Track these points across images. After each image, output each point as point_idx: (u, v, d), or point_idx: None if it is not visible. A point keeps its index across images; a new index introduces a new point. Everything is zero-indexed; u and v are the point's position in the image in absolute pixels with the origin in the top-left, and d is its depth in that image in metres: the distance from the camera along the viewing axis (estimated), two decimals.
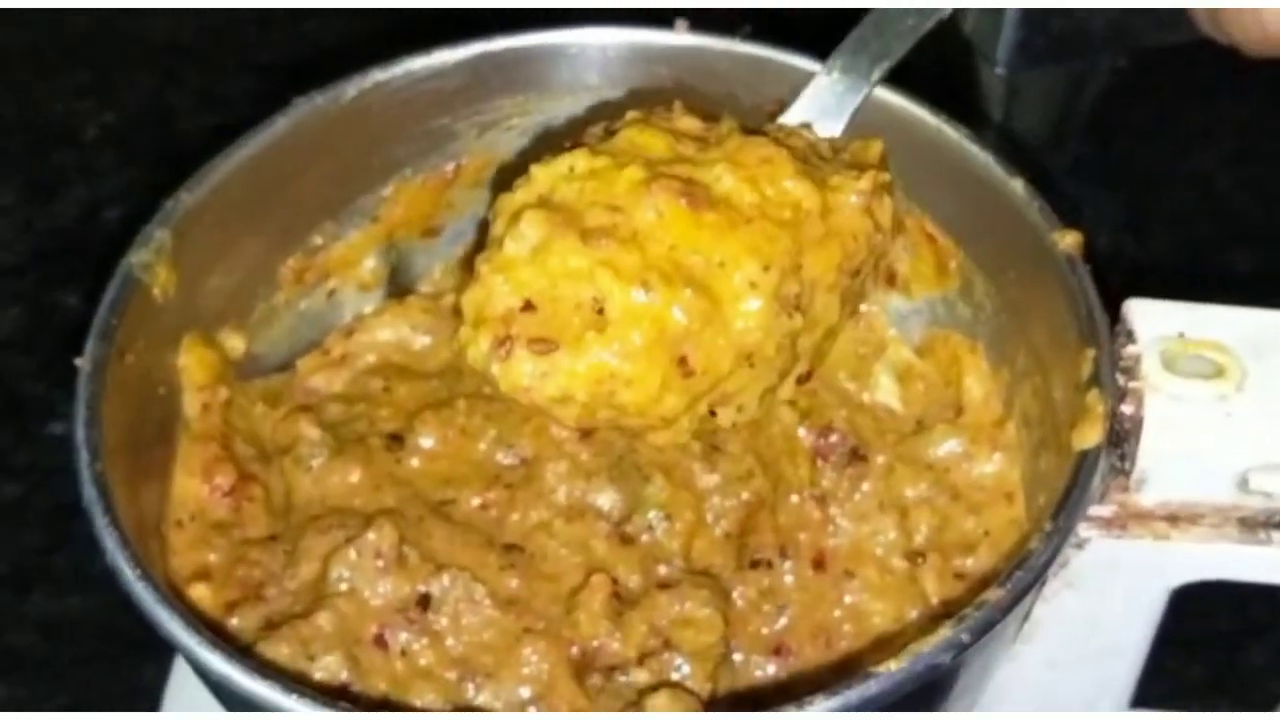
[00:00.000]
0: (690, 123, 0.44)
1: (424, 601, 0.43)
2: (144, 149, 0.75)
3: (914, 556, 0.45)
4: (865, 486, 0.47)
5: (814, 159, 0.44)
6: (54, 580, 0.60)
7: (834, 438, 0.47)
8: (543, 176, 0.42)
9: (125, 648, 0.58)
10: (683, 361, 0.40)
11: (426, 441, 0.46)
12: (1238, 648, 0.57)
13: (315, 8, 0.80)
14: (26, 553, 0.61)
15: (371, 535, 0.43)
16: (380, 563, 0.43)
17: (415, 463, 0.47)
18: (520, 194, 0.42)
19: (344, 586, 0.42)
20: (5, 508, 0.62)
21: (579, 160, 0.42)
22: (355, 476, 0.46)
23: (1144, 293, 0.67)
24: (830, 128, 0.46)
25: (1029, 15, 0.68)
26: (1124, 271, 0.68)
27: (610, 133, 0.43)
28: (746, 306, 0.41)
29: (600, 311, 0.40)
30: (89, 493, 0.38)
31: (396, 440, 0.47)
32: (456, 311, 0.43)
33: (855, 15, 0.46)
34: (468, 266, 0.43)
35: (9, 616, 0.59)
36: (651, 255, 0.40)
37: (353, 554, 0.43)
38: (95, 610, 0.59)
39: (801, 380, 0.43)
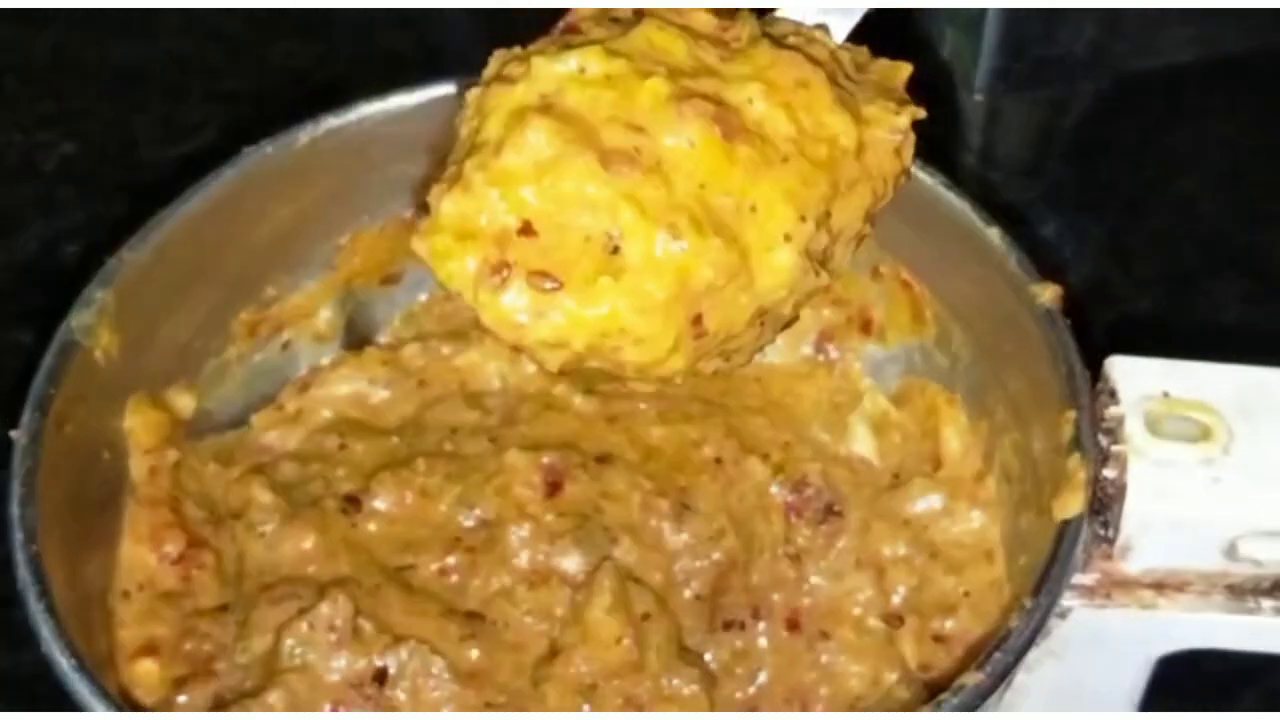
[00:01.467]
0: (705, 19, 0.38)
1: (380, 676, 0.41)
2: (106, 181, 0.74)
3: (892, 619, 0.44)
4: (841, 544, 0.45)
5: (842, 79, 0.39)
6: (9, 634, 0.58)
7: (808, 493, 0.46)
8: (547, 73, 0.36)
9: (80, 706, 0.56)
10: (697, 320, 0.36)
11: (383, 504, 0.45)
12: (1229, 694, 0.56)
13: (281, 34, 0.79)
14: None
15: (325, 608, 0.41)
16: (334, 636, 0.41)
17: (372, 527, 0.45)
18: (521, 90, 0.36)
19: (297, 661, 0.41)
20: None
21: (591, 60, 0.36)
22: (309, 543, 0.44)
23: (1127, 321, 0.66)
24: (839, 25, 0.41)
25: (1008, 40, 0.67)
26: (1107, 299, 0.67)
27: (613, 20, 0.38)
28: (777, 261, 0.36)
29: (615, 250, 0.35)
30: (23, 576, 0.36)
31: (353, 502, 0.45)
32: (423, 207, 0.37)
33: None
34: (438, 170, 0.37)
35: None
36: (679, 193, 0.35)
37: (305, 627, 0.41)
38: (50, 666, 0.57)
39: (786, 325, 0.38)
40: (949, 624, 0.44)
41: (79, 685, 0.35)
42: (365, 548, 0.44)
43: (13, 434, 0.39)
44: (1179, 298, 0.68)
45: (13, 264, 0.70)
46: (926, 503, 0.45)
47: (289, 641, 0.41)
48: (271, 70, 0.78)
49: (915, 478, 0.46)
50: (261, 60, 0.79)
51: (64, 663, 0.35)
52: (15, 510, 0.37)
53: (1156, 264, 0.69)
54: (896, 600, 0.44)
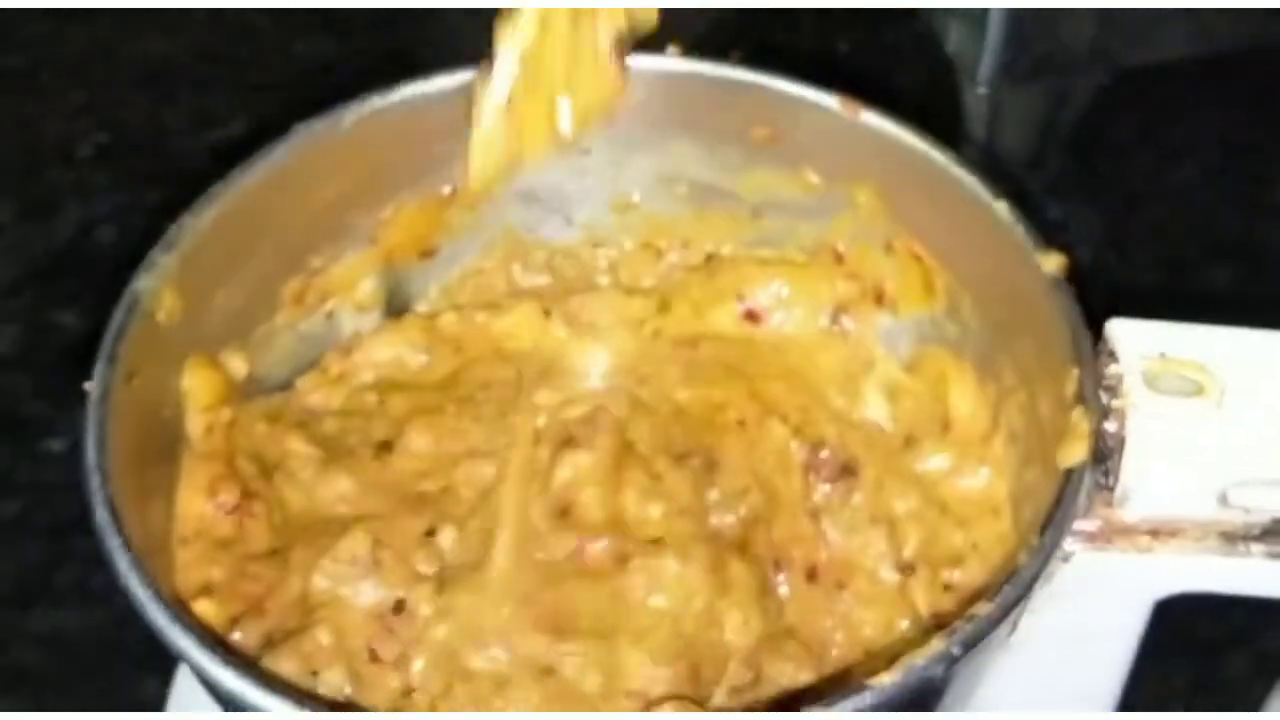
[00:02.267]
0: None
1: (399, 607, 0.43)
2: (138, 168, 0.76)
3: (905, 569, 0.46)
4: (856, 500, 0.48)
5: None
6: (55, 596, 0.61)
7: (824, 453, 0.48)
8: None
9: (127, 663, 0.58)
10: None
11: (415, 444, 0.47)
12: (1219, 654, 0.58)
13: (306, 30, 0.82)
14: (27, 569, 0.62)
15: (344, 542, 0.44)
16: (357, 569, 0.43)
17: (401, 464, 0.47)
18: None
19: (327, 596, 0.43)
20: (5, 525, 0.63)
21: None
22: (343, 485, 0.46)
23: (1126, 308, 0.68)
24: None
25: (1012, 35, 0.69)
26: (1106, 287, 0.69)
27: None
28: None
29: None
30: (101, 515, 0.39)
31: (385, 447, 0.48)
32: None
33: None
34: None
35: (11, 633, 0.60)
36: None
37: (329, 562, 0.44)
38: (96, 626, 0.60)
39: None
40: (957, 574, 0.46)
41: (157, 615, 0.37)
42: (393, 484, 0.47)
43: (86, 385, 0.41)
44: (1175, 284, 0.71)
45: (51, 248, 0.73)
46: (936, 461, 0.48)
47: (317, 578, 0.44)
48: (297, 64, 0.81)
49: (925, 438, 0.49)
50: (287, 54, 0.81)
51: (142, 593, 0.37)
52: (92, 456, 0.39)
53: (1153, 252, 0.72)
54: (908, 553, 0.47)
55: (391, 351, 0.51)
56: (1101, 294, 0.68)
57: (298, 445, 0.47)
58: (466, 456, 0.47)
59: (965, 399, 0.48)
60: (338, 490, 0.46)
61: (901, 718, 0.37)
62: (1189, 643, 0.58)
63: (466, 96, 0.48)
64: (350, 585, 0.43)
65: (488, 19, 0.81)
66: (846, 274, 0.51)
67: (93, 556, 0.61)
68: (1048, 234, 0.71)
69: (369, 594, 0.43)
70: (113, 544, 0.38)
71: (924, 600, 0.45)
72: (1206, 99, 0.76)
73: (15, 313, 0.70)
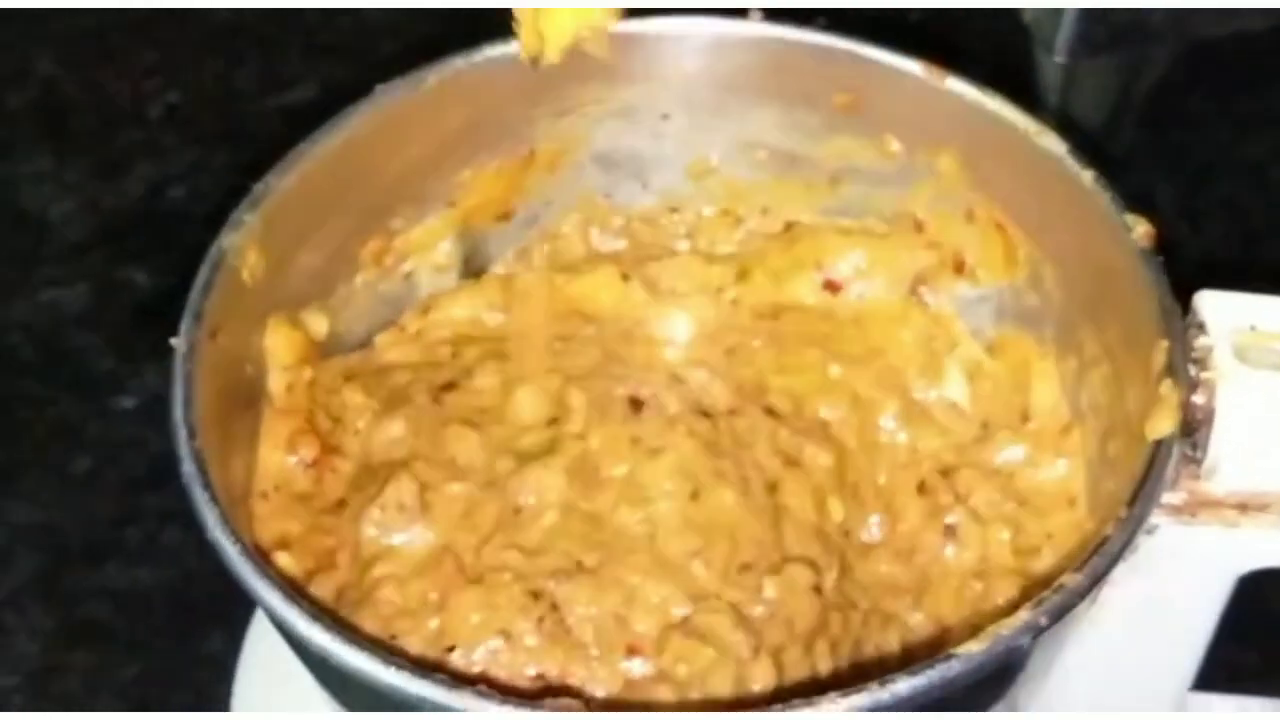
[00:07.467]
0: None
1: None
2: (208, 128, 0.77)
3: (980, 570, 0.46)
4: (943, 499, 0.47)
5: None
6: (126, 552, 0.62)
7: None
8: None
9: (194, 618, 0.59)
10: None
11: (479, 383, 0.47)
12: None
13: None
14: (99, 526, 0.62)
15: (390, 489, 0.44)
16: (405, 515, 0.43)
17: (459, 399, 0.47)
18: None
19: (382, 545, 0.43)
20: (77, 481, 0.64)
21: None
22: (396, 430, 0.46)
23: (1200, 280, 0.68)
24: None
25: (1091, 5, 0.68)
26: (1179, 260, 0.69)
27: None
28: None
29: None
30: (188, 469, 0.39)
31: (446, 389, 0.48)
32: None
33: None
34: None
35: (85, 588, 0.61)
36: None
37: (377, 511, 0.44)
38: (166, 581, 0.61)
39: None
40: (1033, 564, 0.46)
41: (243, 568, 0.37)
42: (446, 419, 0.47)
43: (173, 341, 0.41)
44: (1250, 257, 0.70)
45: (121, 206, 0.74)
46: (1012, 453, 0.47)
47: (368, 528, 0.44)
48: (367, 24, 0.81)
49: (1002, 430, 0.48)
50: (357, 15, 0.82)
51: (229, 548, 0.37)
52: (179, 411, 0.40)
53: (1226, 227, 0.72)
54: (991, 550, 0.46)
55: (469, 310, 0.51)
56: (1175, 266, 0.68)
57: (353, 397, 0.47)
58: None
59: (1047, 393, 0.47)
60: (390, 436, 0.46)
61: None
62: (1262, 621, 0.57)
63: None
64: (401, 530, 0.43)
65: None
66: (926, 243, 0.51)
67: (163, 513, 0.62)
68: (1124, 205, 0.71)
69: (419, 539, 0.43)
70: (200, 498, 0.38)
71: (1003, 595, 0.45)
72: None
73: (86, 270, 0.71)
